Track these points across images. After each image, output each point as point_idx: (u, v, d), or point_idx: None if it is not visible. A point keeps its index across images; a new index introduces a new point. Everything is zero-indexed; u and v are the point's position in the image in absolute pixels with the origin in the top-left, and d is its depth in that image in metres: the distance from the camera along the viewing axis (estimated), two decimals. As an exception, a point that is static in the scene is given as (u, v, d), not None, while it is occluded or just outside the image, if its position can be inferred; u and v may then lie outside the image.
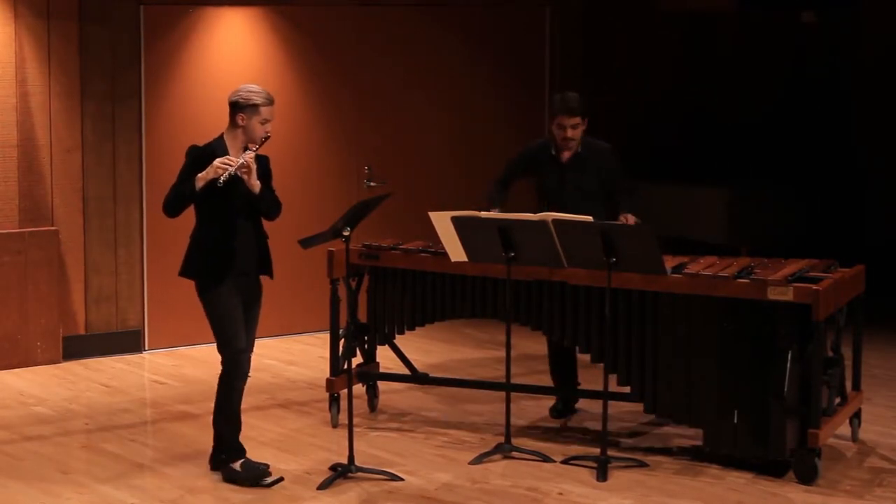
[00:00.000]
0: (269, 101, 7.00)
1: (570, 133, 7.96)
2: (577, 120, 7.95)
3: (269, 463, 7.30)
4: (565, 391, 8.27)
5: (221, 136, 7.05)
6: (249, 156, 6.92)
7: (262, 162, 7.08)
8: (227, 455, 7.13)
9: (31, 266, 9.44)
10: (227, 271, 6.97)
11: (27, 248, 9.43)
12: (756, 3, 11.96)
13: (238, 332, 7.01)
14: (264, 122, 6.99)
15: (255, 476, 7.03)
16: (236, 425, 7.12)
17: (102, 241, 9.76)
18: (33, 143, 9.46)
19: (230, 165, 6.84)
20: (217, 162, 6.85)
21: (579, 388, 8.27)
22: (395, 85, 10.84)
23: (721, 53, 12.57)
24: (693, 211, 11.47)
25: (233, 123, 7.02)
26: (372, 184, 10.63)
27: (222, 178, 6.82)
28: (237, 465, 7.09)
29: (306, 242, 7.10)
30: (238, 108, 6.98)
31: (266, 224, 7.26)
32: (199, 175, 6.84)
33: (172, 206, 6.98)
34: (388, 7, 10.74)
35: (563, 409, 8.31)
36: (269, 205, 7.09)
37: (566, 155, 8.04)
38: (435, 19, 10.98)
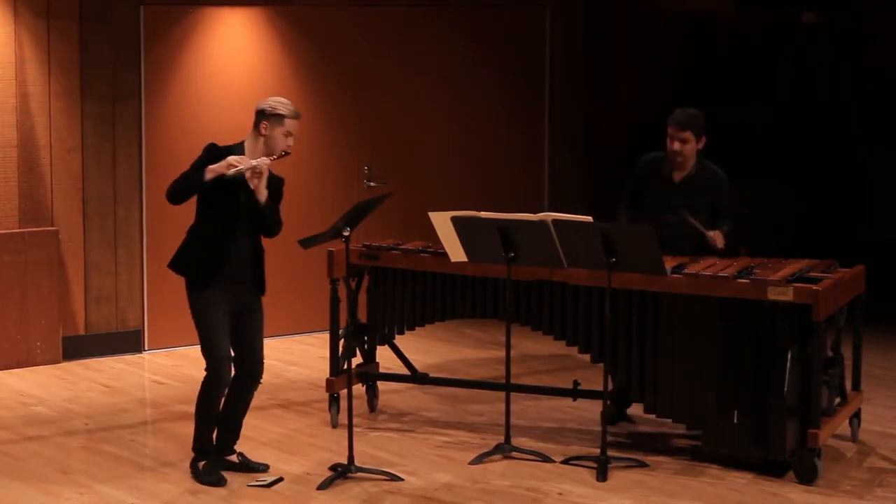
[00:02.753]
0: (296, 115, 7.01)
1: (676, 146, 7.77)
2: (688, 135, 7.75)
3: (269, 463, 7.31)
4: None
5: (242, 142, 7.05)
6: (266, 161, 6.92)
7: (276, 181, 7.06)
8: (196, 452, 7.16)
9: (31, 266, 9.44)
10: (218, 275, 6.97)
11: (27, 248, 9.43)
12: (756, 3, 11.96)
13: (221, 340, 6.99)
14: (287, 134, 6.99)
15: (214, 480, 7.04)
16: (210, 426, 7.12)
17: (102, 241, 9.76)
18: (33, 143, 9.46)
19: (245, 165, 6.86)
20: (231, 158, 6.86)
21: (579, 387, 8.27)
22: (396, 85, 10.83)
23: (721, 53, 12.57)
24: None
25: (256, 131, 7.01)
26: (372, 184, 10.63)
27: (231, 171, 6.81)
28: (201, 465, 7.12)
29: (306, 242, 7.11)
30: (263, 115, 6.98)
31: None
32: (210, 167, 6.84)
33: (177, 193, 6.94)
34: (388, 7, 10.73)
35: (617, 414, 8.15)
36: (271, 220, 7.06)
37: (678, 175, 7.87)
38: (435, 19, 10.98)
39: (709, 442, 7.32)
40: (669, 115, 7.85)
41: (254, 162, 6.88)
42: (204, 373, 7.06)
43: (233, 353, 7.07)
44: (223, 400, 7.15)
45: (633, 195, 8.05)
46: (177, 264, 7.07)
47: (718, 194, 7.93)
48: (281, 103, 6.99)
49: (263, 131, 6.98)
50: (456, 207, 7.77)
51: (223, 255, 6.97)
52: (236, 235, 7.00)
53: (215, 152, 6.96)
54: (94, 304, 9.75)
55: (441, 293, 7.99)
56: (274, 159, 6.96)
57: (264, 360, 7.21)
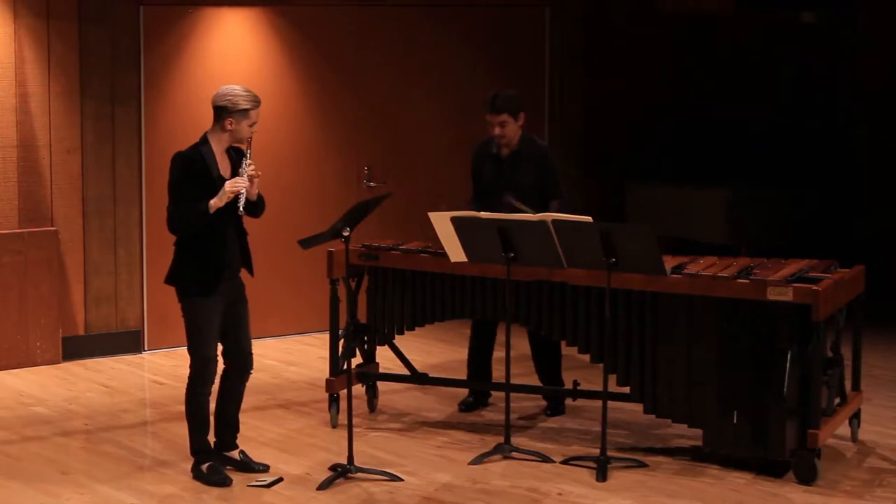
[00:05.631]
0: (258, 104, 6.99)
1: (498, 130, 8.15)
2: (504, 117, 8.11)
3: (268, 464, 7.31)
4: (479, 385, 8.41)
5: (206, 139, 7.01)
6: (252, 169, 6.93)
7: (239, 155, 7.07)
8: (195, 456, 7.15)
9: (31, 266, 9.44)
10: (218, 283, 6.98)
11: (27, 249, 9.43)
12: (756, 4, 11.96)
13: (211, 342, 7.02)
14: (252, 124, 6.99)
15: (219, 479, 7.05)
16: (202, 427, 7.12)
17: (102, 242, 9.76)
18: (33, 144, 9.46)
19: (242, 187, 6.86)
20: (228, 187, 6.85)
21: (579, 388, 8.26)
22: (395, 85, 10.84)
23: (721, 54, 12.56)
24: (693, 211, 11.47)
25: (220, 127, 6.98)
26: (372, 184, 10.63)
27: (242, 204, 6.85)
28: (204, 467, 7.12)
29: (306, 243, 7.11)
30: (227, 112, 6.94)
31: (264, 224, 7.25)
32: (212, 202, 6.83)
33: (186, 229, 6.95)
34: (388, 7, 10.73)
35: (475, 402, 8.44)
36: (261, 206, 7.13)
37: (505, 151, 8.22)
38: (435, 19, 10.98)
39: (709, 442, 7.32)
40: (485, 104, 8.20)
41: (245, 175, 6.90)
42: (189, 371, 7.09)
43: (221, 347, 7.09)
44: (218, 396, 7.17)
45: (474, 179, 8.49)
46: (175, 279, 7.04)
47: (541, 167, 8.22)
48: (240, 96, 6.94)
49: (230, 127, 6.96)
50: (456, 207, 7.77)
51: (220, 263, 6.98)
52: (228, 242, 7.01)
53: (187, 162, 6.94)
54: (94, 305, 9.76)
55: (441, 293, 7.99)
56: (249, 154, 6.97)
57: (253, 354, 7.21)
